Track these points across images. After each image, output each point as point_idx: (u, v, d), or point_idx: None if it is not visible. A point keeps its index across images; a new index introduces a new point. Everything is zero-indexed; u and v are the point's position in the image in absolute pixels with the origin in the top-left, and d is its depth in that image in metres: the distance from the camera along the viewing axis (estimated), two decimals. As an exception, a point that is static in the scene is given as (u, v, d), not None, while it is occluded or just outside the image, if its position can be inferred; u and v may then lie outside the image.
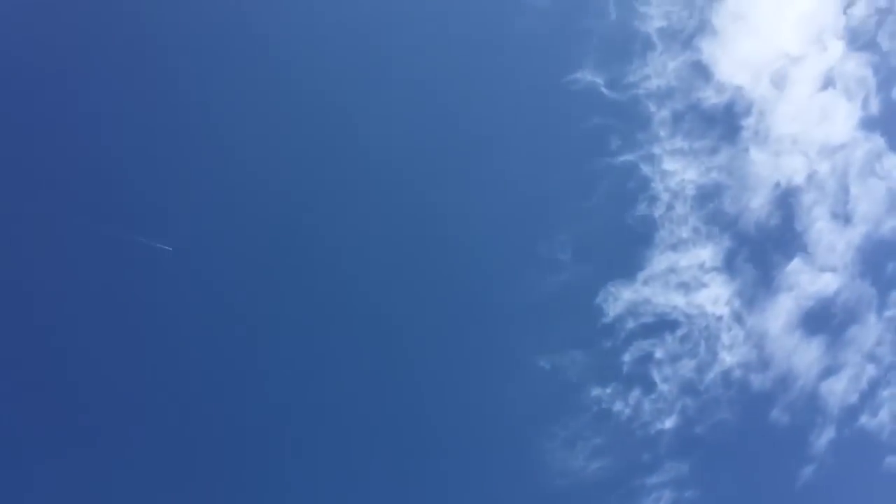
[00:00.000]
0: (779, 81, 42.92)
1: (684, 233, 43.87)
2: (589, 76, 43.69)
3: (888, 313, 42.08)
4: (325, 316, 43.56)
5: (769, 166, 43.21)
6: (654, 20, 43.30)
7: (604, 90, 43.68)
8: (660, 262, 43.91)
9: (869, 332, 42.23)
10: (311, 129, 43.97)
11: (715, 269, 43.62)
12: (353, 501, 42.56)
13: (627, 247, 44.62)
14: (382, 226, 44.33)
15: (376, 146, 44.05)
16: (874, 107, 42.89)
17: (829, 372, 42.40)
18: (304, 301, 43.47)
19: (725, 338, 43.56)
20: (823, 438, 41.66)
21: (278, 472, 42.19)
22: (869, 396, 41.72)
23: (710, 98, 43.53)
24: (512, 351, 44.58)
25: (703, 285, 43.72)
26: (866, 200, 42.79)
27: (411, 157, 44.80)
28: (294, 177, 43.74)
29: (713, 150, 43.62)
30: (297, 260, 43.69)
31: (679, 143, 43.83)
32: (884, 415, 41.29)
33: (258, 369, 42.50)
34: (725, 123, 43.58)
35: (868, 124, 42.91)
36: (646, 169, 43.80)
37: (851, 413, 41.75)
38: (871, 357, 41.80)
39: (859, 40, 42.70)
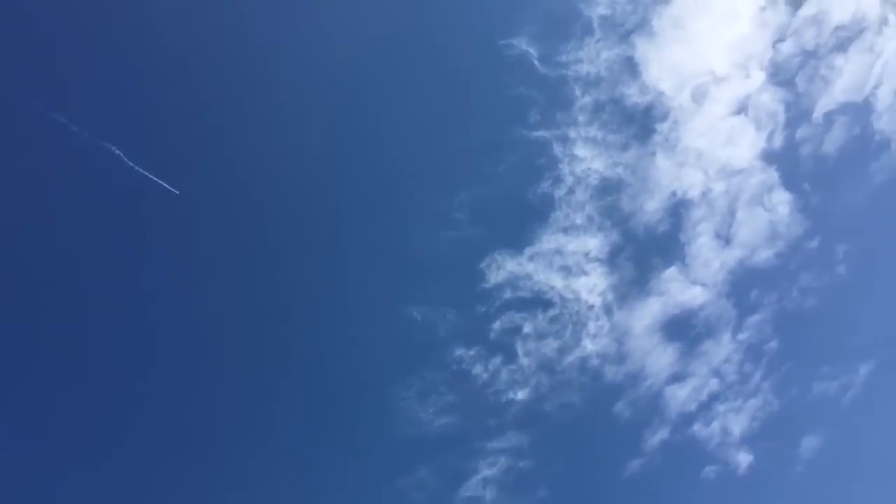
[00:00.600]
0: (699, 96, 44.20)
1: (578, 219, 44.94)
2: (524, 45, 43.67)
3: (741, 336, 44.57)
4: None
5: (670, 175, 44.66)
6: (599, 6, 43.58)
7: (536, 63, 43.81)
8: (549, 241, 44.89)
9: (721, 349, 44.68)
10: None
11: (598, 259, 45.00)
12: (207, 428, 42.40)
13: (522, 220, 45.38)
14: (276, 162, 43.39)
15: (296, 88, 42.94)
16: (777, 141, 44.84)
17: (676, 378, 44.70)
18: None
19: (592, 326, 45.19)
20: (656, 438, 44.05)
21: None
22: (706, 408, 44.31)
23: (633, 96, 44.38)
24: (388, 297, 44.95)
25: (584, 273, 45.05)
26: (748, 227, 44.95)
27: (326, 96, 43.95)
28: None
29: (624, 147, 44.66)
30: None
31: (594, 132, 44.58)
32: (715, 426, 43.97)
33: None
34: (641, 124, 44.64)
35: (768, 156, 44.88)
36: (557, 149, 44.42)
37: (687, 419, 44.26)
38: (717, 372, 44.29)
39: (780, 75, 44.36)
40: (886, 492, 44.25)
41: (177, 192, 40.15)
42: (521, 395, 44.96)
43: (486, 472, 44.23)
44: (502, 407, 45.00)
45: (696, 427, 43.73)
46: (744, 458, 42.50)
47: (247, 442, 43.31)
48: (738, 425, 43.33)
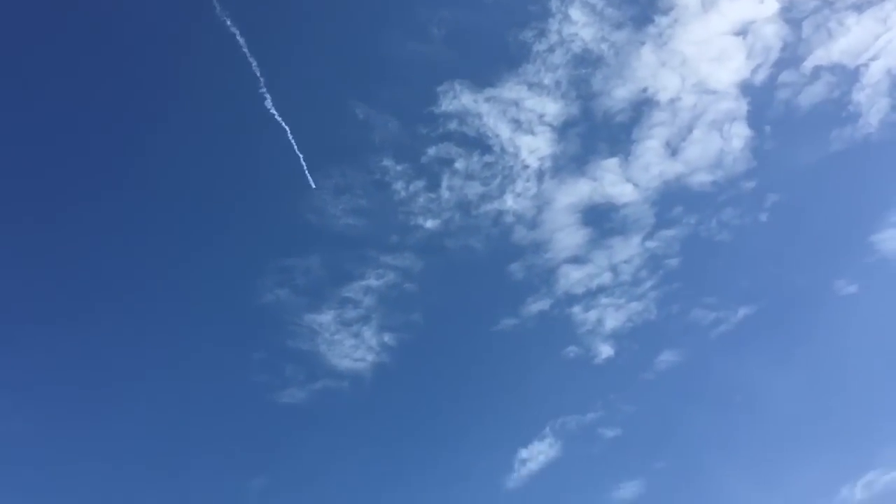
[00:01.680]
0: (708, 3, 43.31)
1: (547, 79, 44.39)
2: None
3: (649, 244, 45.98)
4: None
5: (649, 70, 44.36)
6: None
7: None
8: (511, 90, 44.42)
9: (626, 249, 46.04)
10: None
11: (551, 125, 44.96)
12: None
13: (494, 60, 44.63)
14: None
15: None
16: (760, 76, 44.65)
17: (576, 260, 46.13)
18: None
19: (520, 185, 45.71)
20: (537, 306, 45.97)
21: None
22: (591, 296, 46.19)
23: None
24: (336, 89, 44.39)
25: (532, 132, 45.04)
26: (699, 148, 45.43)
27: None
28: None
29: (618, 25, 43.78)
30: None
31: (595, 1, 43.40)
32: (592, 315, 46.06)
33: None
34: (643, 9, 43.68)
35: (745, 88, 44.79)
36: (554, 3, 43.25)
37: (570, 300, 46.15)
38: (614, 269, 45.90)
39: (792, 13, 43.62)
40: (716, 421, 47.81)
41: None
42: (430, 223, 45.74)
43: (373, 281, 45.53)
44: (409, 229, 45.86)
45: (576, 309, 45.73)
46: (605, 350, 45.01)
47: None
48: (612, 321, 45.49)
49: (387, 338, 45.13)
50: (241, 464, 45.77)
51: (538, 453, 50.43)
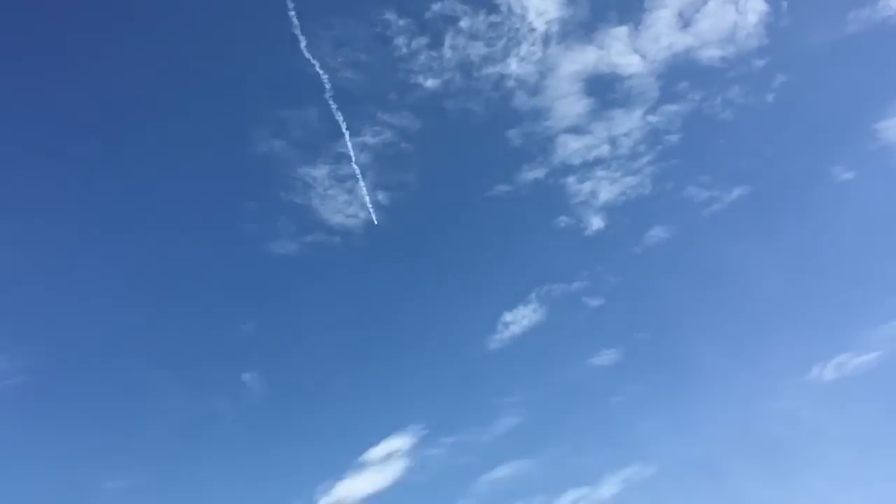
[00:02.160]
0: None
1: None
2: None
3: (651, 118, 45.39)
4: None
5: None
6: None
7: None
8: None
9: (627, 122, 45.46)
10: None
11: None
12: None
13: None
14: None
15: None
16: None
17: (575, 130, 45.62)
18: None
19: (524, 49, 44.51)
20: (532, 174, 45.87)
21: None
22: (587, 167, 46.02)
23: None
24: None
25: (543, -6, 43.49)
26: (712, 21, 44.09)
27: None
28: None
29: None
30: None
31: None
32: (586, 186, 46.06)
33: None
34: None
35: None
36: None
37: (565, 170, 46.00)
38: (613, 141, 45.50)
39: None
40: (698, 297, 48.86)
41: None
42: (430, 83, 44.86)
43: (369, 138, 45.13)
44: (408, 87, 44.99)
45: (570, 180, 45.70)
46: (596, 223, 45.34)
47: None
48: (606, 193, 45.57)
49: (380, 196, 45.34)
50: (232, 310, 47.12)
51: (522, 318, 51.99)
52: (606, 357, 46.92)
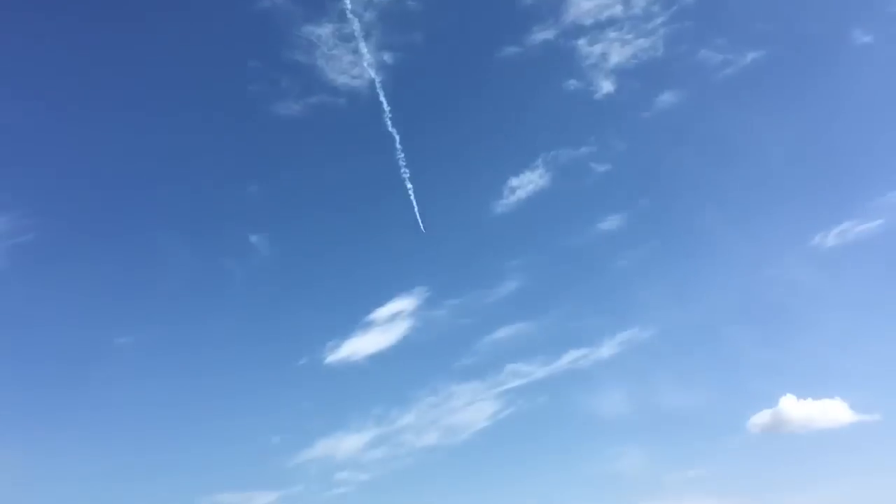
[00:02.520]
0: None
1: None
2: None
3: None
4: None
5: None
6: None
7: None
8: None
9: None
10: None
11: None
12: None
13: None
14: None
15: None
16: None
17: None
18: None
19: None
20: (542, 35, 44.54)
21: None
22: (599, 28, 44.69)
23: None
24: None
25: None
26: None
27: None
28: None
29: None
30: None
31: None
32: (597, 48, 44.83)
33: None
34: None
35: None
36: None
37: (576, 31, 44.70)
38: (627, 1, 43.90)
39: None
40: (706, 164, 48.38)
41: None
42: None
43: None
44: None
45: (581, 42, 44.42)
46: (606, 86, 44.41)
47: None
48: (617, 56, 44.39)
49: (385, 56, 44.20)
50: (237, 171, 46.96)
51: (528, 182, 51.83)
52: (611, 223, 47.17)
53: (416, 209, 43.12)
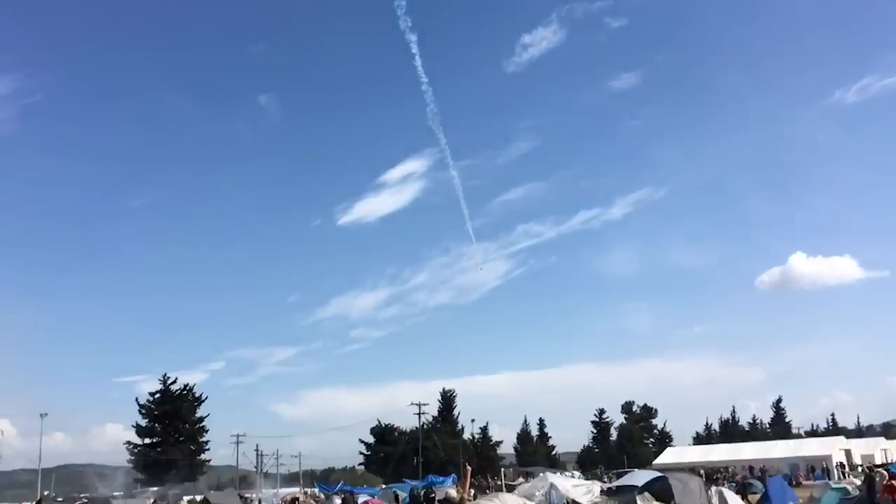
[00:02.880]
0: None
1: None
2: None
3: None
4: None
5: None
6: None
7: None
8: None
9: None
10: None
11: None
12: None
13: None
14: None
15: None
16: None
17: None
18: None
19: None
20: None
21: None
22: None
23: None
24: None
25: None
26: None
27: None
28: None
29: None
30: None
31: None
32: None
33: None
34: None
35: None
36: None
37: None
38: None
39: None
40: (725, 19, 46.44)
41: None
42: None
43: None
44: None
45: None
46: None
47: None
48: None
49: None
50: (242, 29, 44.71)
51: (541, 39, 50.63)
52: (625, 80, 45.69)
53: (418, 64, 42.37)
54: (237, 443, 71.83)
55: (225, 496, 37.57)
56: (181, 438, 64.23)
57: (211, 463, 71.34)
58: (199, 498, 45.56)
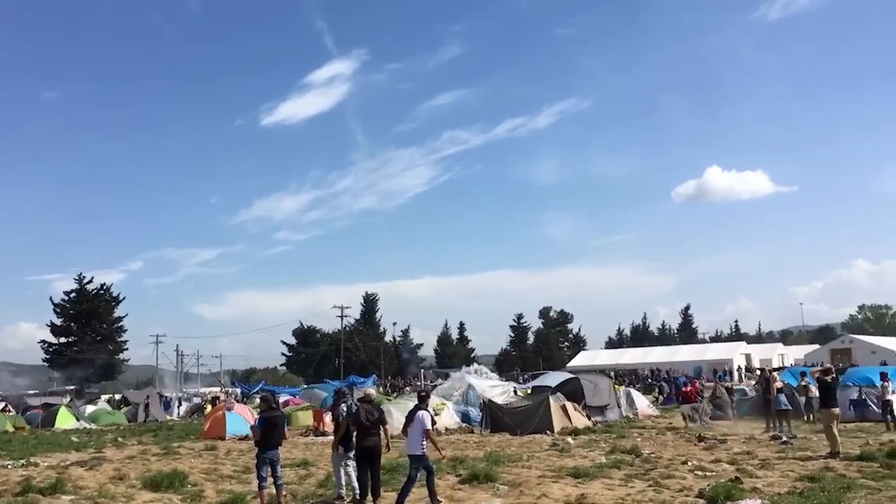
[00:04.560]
0: None
1: None
2: None
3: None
4: None
5: None
6: None
7: None
8: None
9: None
10: None
11: None
12: None
13: None
14: None
15: None
16: None
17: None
18: None
19: None
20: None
21: None
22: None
23: None
24: None
25: None
26: None
27: None
28: None
29: None
30: None
31: None
32: None
33: None
34: None
35: None
36: None
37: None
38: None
39: None
40: None
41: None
42: None
43: None
44: None
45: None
46: None
47: None
48: None
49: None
50: None
51: None
52: None
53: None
54: (157, 343, 71.56)
55: (143, 394, 37.48)
56: (98, 338, 63.36)
57: (130, 363, 70.96)
58: (117, 396, 45.42)
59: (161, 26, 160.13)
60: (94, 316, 63.08)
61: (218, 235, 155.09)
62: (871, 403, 18.42)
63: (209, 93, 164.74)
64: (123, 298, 65.98)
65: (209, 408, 29.25)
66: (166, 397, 39.70)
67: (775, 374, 19.50)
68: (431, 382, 33.61)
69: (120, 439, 21.03)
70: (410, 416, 9.05)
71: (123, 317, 65.71)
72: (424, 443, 8.80)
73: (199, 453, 16.45)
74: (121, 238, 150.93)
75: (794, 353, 60.86)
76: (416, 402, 9.55)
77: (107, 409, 34.23)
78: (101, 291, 64.56)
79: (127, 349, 66.98)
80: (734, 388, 24.70)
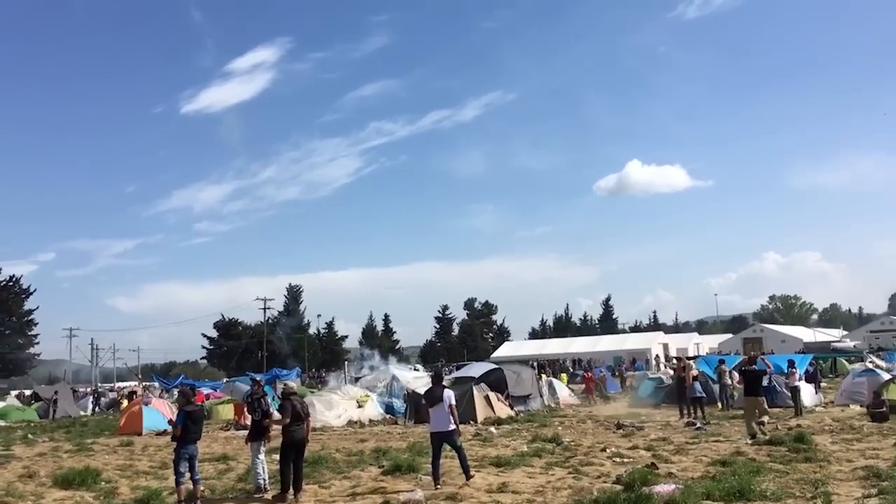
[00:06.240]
0: None
1: None
2: None
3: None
4: None
5: None
6: None
7: None
8: None
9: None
10: None
11: None
12: None
13: None
14: None
15: None
16: None
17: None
18: None
19: None
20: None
21: None
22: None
23: None
24: None
25: None
26: None
27: None
28: None
29: None
30: None
31: None
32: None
33: None
34: None
35: None
36: None
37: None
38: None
39: None
40: None
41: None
42: None
43: None
44: None
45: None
46: None
47: None
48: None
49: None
50: None
51: None
52: None
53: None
54: (70, 336, 69.03)
55: (54, 390, 36.07)
56: (7, 332, 60.76)
57: (41, 357, 68.34)
58: (27, 392, 43.58)
59: (72, 3, 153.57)
60: (2, 309, 60.46)
61: (135, 226, 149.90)
62: (780, 389, 19.24)
63: (125, 77, 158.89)
64: (34, 291, 63.57)
65: (125, 402, 28.39)
66: (80, 392, 38.35)
67: (691, 362, 20.14)
68: (355, 374, 33.41)
69: (30, 436, 20.24)
70: (434, 395, 9.32)
71: (34, 309, 63.31)
72: (452, 419, 9.17)
73: (114, 449, 15.98)
74: (32, 228, 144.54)
75: (709, 342, 63.01)
76: (433, 382, 9.96)
77: (16, 404, 32.87)
78: (11, 283, 61.94)
79: (38, 343, 64.50)
80: (651, 376, 25.46)
